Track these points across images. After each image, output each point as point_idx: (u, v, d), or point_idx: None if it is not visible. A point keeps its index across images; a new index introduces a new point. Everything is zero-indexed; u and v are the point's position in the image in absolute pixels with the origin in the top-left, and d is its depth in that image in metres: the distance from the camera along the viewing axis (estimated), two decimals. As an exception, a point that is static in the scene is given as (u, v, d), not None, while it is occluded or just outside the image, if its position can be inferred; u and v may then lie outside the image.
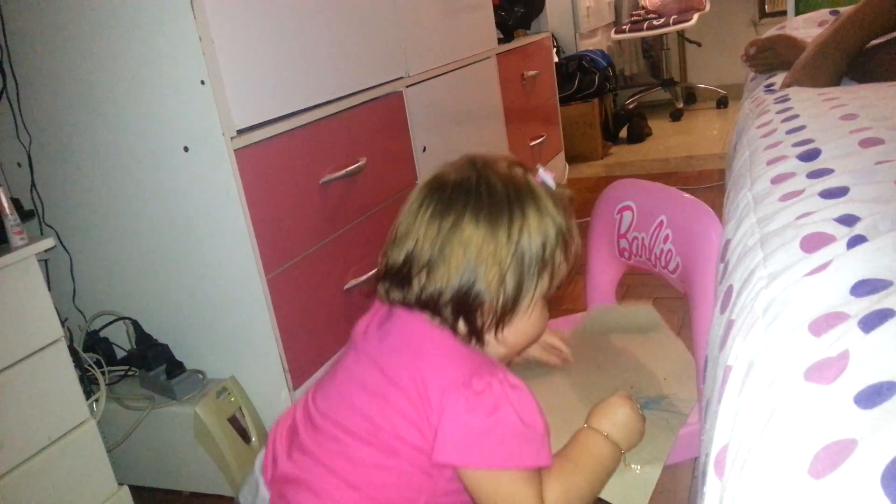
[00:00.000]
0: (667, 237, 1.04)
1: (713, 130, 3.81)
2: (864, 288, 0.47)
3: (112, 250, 1.52)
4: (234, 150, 1.34)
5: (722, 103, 4.21)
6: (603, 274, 1.24)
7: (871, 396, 0.36)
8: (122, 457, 1.52)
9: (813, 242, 0.56)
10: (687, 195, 1.03)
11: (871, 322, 0.41)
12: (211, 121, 1.32)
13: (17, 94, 1.45)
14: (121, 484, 1.43)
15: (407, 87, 1.97)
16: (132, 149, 1.40)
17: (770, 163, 0.81)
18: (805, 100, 1.03)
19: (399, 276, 0.76)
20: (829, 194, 0.64)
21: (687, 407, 0.88)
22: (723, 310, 0.62)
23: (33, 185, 1.52)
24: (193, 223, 1.42)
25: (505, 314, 0.75)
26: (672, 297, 1.89)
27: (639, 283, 2.05)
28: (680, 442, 0.85)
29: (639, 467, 0.79)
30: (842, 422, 0.36)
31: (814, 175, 0.70)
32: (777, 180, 0.75)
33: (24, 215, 1.30)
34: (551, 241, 0.75)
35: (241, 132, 1.36)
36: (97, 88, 1.38)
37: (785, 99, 1.09)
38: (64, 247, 1.56)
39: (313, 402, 0.81)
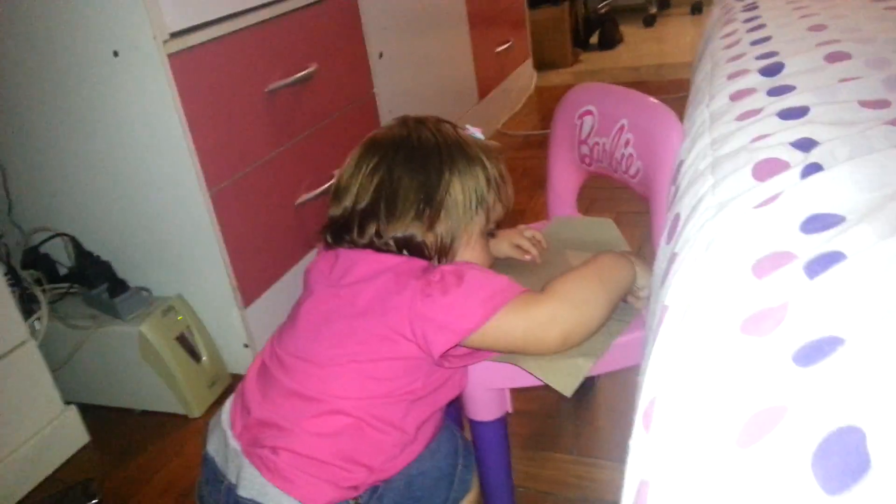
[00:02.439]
0: (628, 141, 1.00)
1: (686, 37, 3.70)
2: (814, 223, 0.43)
3: (46, 162, 1.44)
4: (168, 55, 1.25)
5: (696, 9, 4.09)
6: (564, 181, 1.20)
7: (810, 353, 0.33)
8: (72, 375, 1.48)
9: (766, 169, 0.51)
10: (649, 98, 0.98)
11: (816, 267, 0.37)
12: (140, 23, 1.22)
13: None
14: (69, 403, 1.40)
15: (361, -14, 1.85)
16: (59, 52, 1.30)
17: (731, 77, 0.76)
18: (774, 8, 0.97)
19: (342, 226, 0.83)
20: (788, 114, 0.59)
21: (629, 315, 0.87)
22: (668, 239, 0.58)
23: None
24: (129, 134, 1.33)
25: (444, 249, 0.82)
26: (635, 212, 1.86)
27: (605, 196, 2.02)
28: (623, 349, 0.84)
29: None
30: (776, 383, 0.32)
31: (774, 92, 0.65)
32: (736, 97, 0.70)
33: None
34: (482, 184, 0.83)
35: (174, 35, 1.26)
36: (15, -15, 1.26)
37: (753, 6, 1.02)
38: (-5, 158, 1.47)
39: (281, 347, 0.82)
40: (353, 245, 0.82)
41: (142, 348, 1.38)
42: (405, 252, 0.81)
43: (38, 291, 1.44)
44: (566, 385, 0.78)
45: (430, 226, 0.81)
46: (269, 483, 0.75)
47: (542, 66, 3.35)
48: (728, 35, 0.93)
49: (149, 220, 1.41)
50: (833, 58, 0.69)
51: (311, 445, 0.76)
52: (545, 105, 2.99)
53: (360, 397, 0.77)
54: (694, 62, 1.23)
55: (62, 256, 1.52)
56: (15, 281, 1.43)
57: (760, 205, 0.46)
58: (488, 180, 0.84)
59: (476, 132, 0.89)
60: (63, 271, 1.53)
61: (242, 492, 0.76)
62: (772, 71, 0.71)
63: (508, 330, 0.75)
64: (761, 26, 0.90)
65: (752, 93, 0.68)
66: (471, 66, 2.58)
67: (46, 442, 1.34)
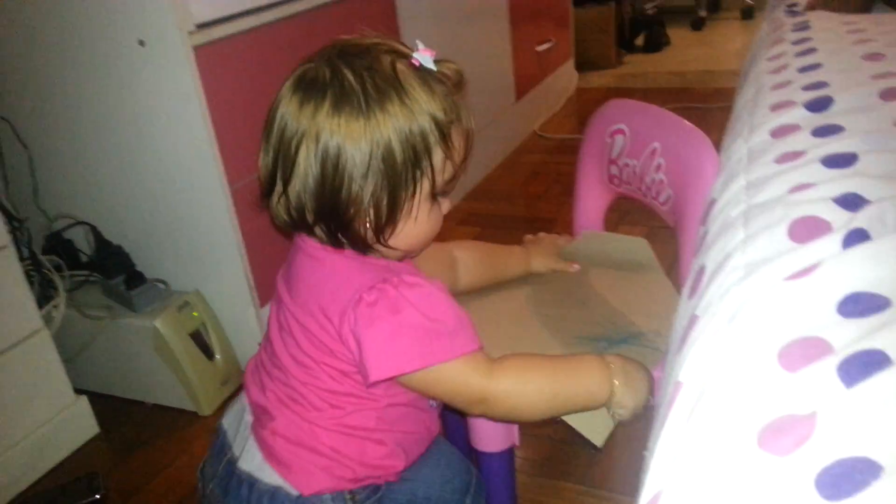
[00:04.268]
0: (659, 166, 0.95)
1: (735, 44, 3.59)
2: (855, 305, 0.37)
3: (71, 149, 1.42)
4: (193, 47, 1.22)
5: (747, 14, 3.95)
6: (591, 200, 1.15)
7: (839, 481, 0.28)
8: (85, 364, 1.47)
9: (804, 230, 0.46)
10: (684, 122, 0.93)
11: (854, 371, 0.32)
12: (166, 12, 1.19)
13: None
14: (80, 392, 1.39)
15: (399, -19, 1.80)
16: (86, 39, 1.28)
17: (774, 108, 0.70)
18: (827, 30, 0.90)
19: (267, 190, 0.69)
20: (833, 162, 0.53)
21: (665, 342, 0.82)
22: (691, 294, 0.53)
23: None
24: (152, 125, 1.31)
25: (382, 222, 0.68)
26: (668, 228, 1.79)
27: (637, 209, 1.95)
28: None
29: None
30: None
31: (820, 132, 0.60)
32: (778, 133, 0.64)
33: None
34: (424, 137, 0.65)
35: (200, 27, 1.23)
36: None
37: (804, 27, 0.96)
38: (21, 141, 1.46)
39: (267, 341, 0.78)
40: (283, 224, 0.71)
41: (155, 343, 1.36)
42: (336, 232, 0.68)
43: (56, 278, 1.43)
44: (599, 436, 0.74)
45: (361, 194, 0.65)
46: (266, 463, 0.74)
47: (583, 66, 3.27)
48: (775, 57, 0.87)
49: (169, 213, 1.39)
50: (888, 95, 0.63)
51: (305, 436, 0.74)
52: (584, 108, 2.92)
53: (325, 408, 0.73)
54: (739, 81, 1.17)
55: (85, 245, 1.51)
56: (35, 266, 1.42)
57: (794, 276, 0.41)
58: (432, 131, 0.66)
59: (426, 58, 0.68)
60: (85, 259, 1.52)
61: (242, 464, 0.75)
62: (819, 105, 0.65)
63: (445, 387, 0.70)
64: (812, 50, 0.83)
65: (795, 130, 0.62)
66: (509, 64, 2.51)
67: (56, 431, 1.34)
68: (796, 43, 0.89)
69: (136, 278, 1.40)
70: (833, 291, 0.38)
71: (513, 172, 2.37)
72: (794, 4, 1.22)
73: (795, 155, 0.57)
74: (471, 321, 0.71)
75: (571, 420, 0.74)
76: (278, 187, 0.67)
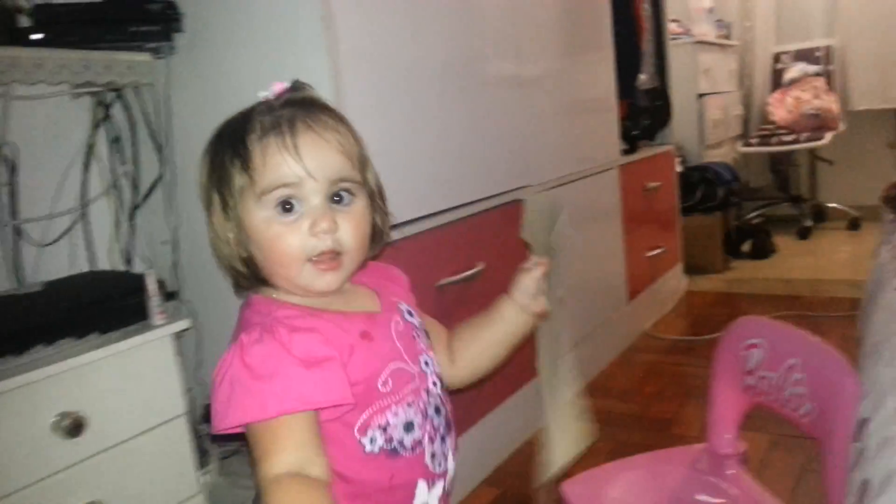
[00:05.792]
0: (798, 381, 1.01)
1: (842, 254, 3.64)
2: None
3: (232, 325, 1.60)
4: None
5: (854, 225, 4.02)
6: (727, 409, 1.22)
7: None
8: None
9: (963, 452, 0.52)
10: (821, 341, 1.01)
11: None
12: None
13: (175, 181, 1.60)
14: (219, 562, 1.47)
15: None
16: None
17: (913, 336, 0.77)
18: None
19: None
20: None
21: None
22: (857, 504, 0.59)
23: (175, 263, 1.64)
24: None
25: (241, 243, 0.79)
26: (793, 436, 1.78)
27: (757, 414, 1.95)
28: None
29: None
30: None
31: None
32: (921, 361, 0.71)
33: (167, 296, 1.40)
34: (217, 148, 0.79)
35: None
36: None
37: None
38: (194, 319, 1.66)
39: None
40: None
41: (295, 517, 1.44)
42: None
43: (211, 448, 1.56)
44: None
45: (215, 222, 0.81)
46: None
47: (692, 270, 3.38)
48: (904, 287, 0.95)
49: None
50: None
51: None
52: (694, 310, 2.99)
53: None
54: (863, 300, 1.24)
55: (235, 417, 1.65)
56: (193, 434, 1.56)
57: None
58: (224, 141, 0.79)
59: (267, 91, 0.80)
60: (234, 431, 1.65)
61: None
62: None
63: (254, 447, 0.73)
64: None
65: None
66: (622, 268, 2.65)
67: None
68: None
69: (283, 453, 1.51)
70: None
71: (626, 371, 2.42)
72: (912, 231, 1.31)
73: (942, 382, 0.65)
74: (327, 383, 0.72)
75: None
76: None
